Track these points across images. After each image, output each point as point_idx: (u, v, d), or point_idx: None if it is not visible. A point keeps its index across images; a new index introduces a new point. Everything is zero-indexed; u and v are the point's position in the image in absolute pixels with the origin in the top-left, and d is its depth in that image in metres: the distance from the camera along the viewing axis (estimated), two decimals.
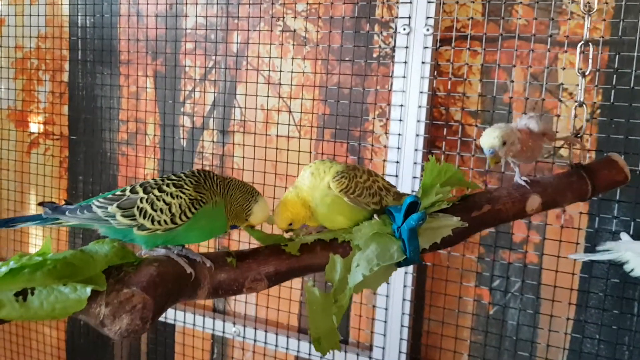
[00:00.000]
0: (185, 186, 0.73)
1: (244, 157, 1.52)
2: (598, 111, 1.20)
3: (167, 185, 0.73)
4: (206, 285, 0.73)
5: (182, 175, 0.75)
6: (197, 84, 1.60)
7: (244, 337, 1.55)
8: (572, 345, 1.25)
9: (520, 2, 1.23)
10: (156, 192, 0.72)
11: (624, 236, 1.12)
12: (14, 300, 0.61)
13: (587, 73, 0.94)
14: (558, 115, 1.20)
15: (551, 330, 1.25)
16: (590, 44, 0.96)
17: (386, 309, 1.36)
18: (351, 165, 0.81)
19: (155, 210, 0.71)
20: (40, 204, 0.76)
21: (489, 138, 0.81)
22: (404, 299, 1.34)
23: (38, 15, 1.78)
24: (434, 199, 0.81)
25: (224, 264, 0.75)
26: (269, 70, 1.48)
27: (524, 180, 0.87)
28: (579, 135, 0.96)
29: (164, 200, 0.72)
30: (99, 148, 1.75)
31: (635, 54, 1.13)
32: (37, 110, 1.84)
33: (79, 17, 1.73)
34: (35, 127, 1.86)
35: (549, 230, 1.24)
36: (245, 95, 1.52)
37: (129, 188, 0.74)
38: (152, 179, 0.76)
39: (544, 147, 0.90)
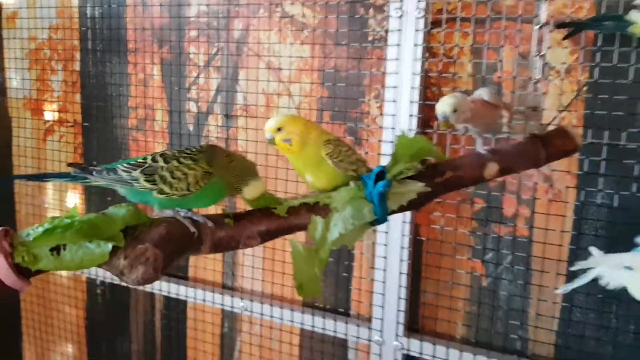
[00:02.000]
0: (199, 160, 0.84)
1: (247, 140, 1.59)
2: (585, 88, 1.24)
3: (185, 158, 0.84)
4: (208, 242, 0.85)
5: (195, 149, 0.86)
6: (201, 70, 1.66)
7: (251, 312, 1.62)
8: (562, 314, 1.30)
9: None
10: (175, 162, 0.83)
11: (594, 251, 1.16)
12: (49, 254, 0.73)
13: (542, 54, 1.00)
14: (545, 93, 1.25)
15: (541, 300, 1.31)
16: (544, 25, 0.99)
17: (384, 282, 1.42)
18: (337, 137, 0.94)
19: (174, 179, 0.82)
20: (69, 164, 0.87)
21: (442, 105, 0.90)
22: (400, 273, 1.40)
23: (49, 7, 1.85)
24: (402, 167, 0.91)
25: (223, 224, 0.87)
26: (268, 56, 1.54)
27: (484, 150, 0.95)
28: (536, 110, 1.02)
29: (181, 171, 0.83)
30: (111, 134, 1.83)
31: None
32: (51, 98, 1.92)
33: (88, 8, 1.80)
34: (49, 115, 1.94)
35: (538, 204, 1.29)
36: (247, 80, 1.58)
37: (150, 157, 0.85)
38: (170, 150, 0.87)
39: (503, 119, 0.96)
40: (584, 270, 1.19)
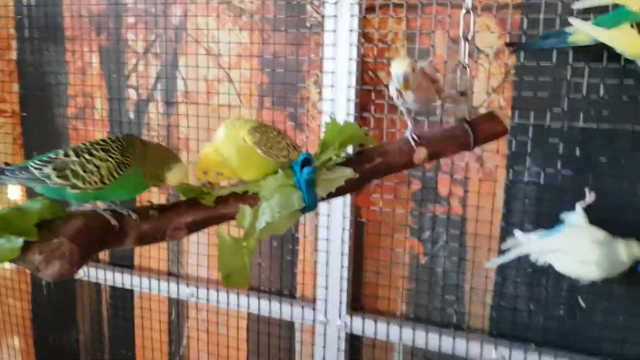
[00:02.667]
0: (112, 151, 0.82)
1: (188, 127, 1.59)
2: (512, 71, 1.29)
3: (96, 150, 0.82)
4: (132, 235, 0.84)
5: (108, 140, 0.85)
6: (140, 57, 1.65)
7: (198, 298, 1.64)
8: (495, 288, 1.36)
9: None
10: (87, 155, 0.81)
11: (518, 234, 1.23)
12: None
13: (469, 38, 1.03)
14: (474, 76, 1.29)
15: (475, 275, 1.37)
16: (471, 11, 1.03)
17: (327, 264, 1.45)
18: (263, 123, 0.93)
19: (86, 172, 0.81)
20: None
21: (401, 65, 0.89)
22: (342, 254, 1.43)
23: None
24: (331, 154, 0.92)
25: (148, 216, 0.86)
26: (208, 42, 1.54)
27: (413, 138, 0.96)
28: (463, 94, 1.05)
29: (94, 163, 0.81)
30: (51, 124, 1.79)
31: (542, 16, 1.22)
32: None
33: None
34: None
35: (470, 183, 1.34)
36: (187, 67, 1.58)
37: (61, 152, 0.83)
38: (82, 143, 0.85)
39: (438, 96, 0.98)
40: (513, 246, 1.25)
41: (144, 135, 1.67)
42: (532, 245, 1.21)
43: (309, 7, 1.44)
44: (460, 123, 1.00)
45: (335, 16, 1.35)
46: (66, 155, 0.82)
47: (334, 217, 1.43)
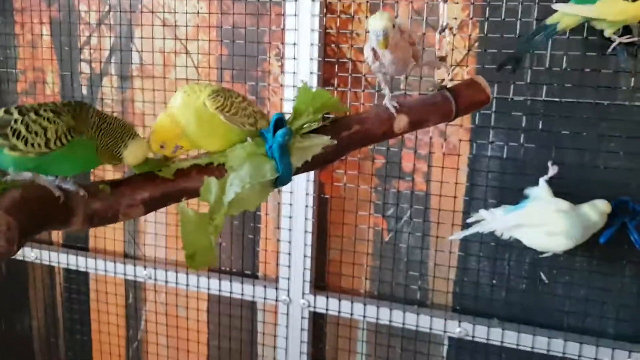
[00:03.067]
0: (63, 113, 0.74)
1: (143, 102, 1.53)
2: (476, 44, 1.27)
3: (45, 110, 0.73)
4: (80, 214, 0.75)
5: (59, 103, 0.76)
6: (93, 29, 1.57)
7: (156, 280, 1.58)
8: (458, 264, 1.35)
9: None
10: (32, 115, 0.73)
11: (483, 213, 1.22)
12: None
13: (446, 1, 1.00)
14: (439, 49, 1.27)
15: (438, 251, 1.35)
16: None
17: (290, 242, 1.42)
18: (225, 88, 0.84)
19: (30, 132, 0.72)
20: None
21: (381, 20, 0.81)
22: (305, 231, 1.40)
23: None
24: (304, 120, 0.86)
25: (98, 192, 0.77)
26: (164, 12, 1.48)
27: (393, 105, 0.90)
28: (442, 59, 1.01)
29: (40, 124, 0.72)
30: (0, 101, 1.71)
31: None
32: None
33: None
34: None
35: (434, 158, 1.33)
36: (141, 38, 1.51)
37: (3, 109, 0.74)
38: (28, 104, 0.76)
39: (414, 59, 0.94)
40: (477, 221, 1.24)
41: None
42: (498, 221, 1.20)
43: None
44: (441, 91, 0.94)
45: None
46: (7, 112, 0.73)
47: (297, 193, 1.40)
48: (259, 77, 1.44)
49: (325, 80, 1.36)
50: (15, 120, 0.72)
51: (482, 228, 1.22)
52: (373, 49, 0.86)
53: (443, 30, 1.00)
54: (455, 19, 1.26)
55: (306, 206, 1.40)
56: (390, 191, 1.38)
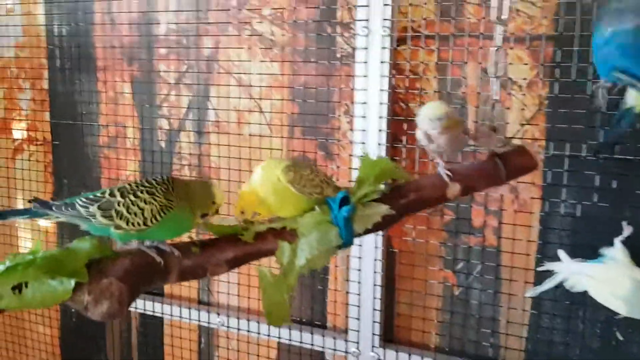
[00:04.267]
0: (157, 193, 0.84)
1: (219, 156, 1.60)
2: (545, 102, 1.28)
3: (141, 192, 0.83)
4: (175, 271, 0.85)
5: (153, 182, 0.85)
6: (172, 87, 1.66)
7: (228, 327, 1.64)
8: (531, 321, 1.34)
9: (470, 2, 1.30)
10: (132, 197, 0.83)
11: (562, 254, 1.22)
12: (11, 293, 0.72)
13: (497, 75, 1.04)
14: (508, 108, 1.29)
15: (510, 308, 1.35)
16: (502, 47, 1.03)
17: (359, 294, 1.45)
18: (297, 161, 0.96)
19: (130, 214, 0.82)
20: (30, 200, 0.86)
21: (438, 108, 0.92)
22: (374, 284, 1.43)
23: (15, 25, 1.83)
24: (367, 190, 0.94)
25: (190, 252, 0.87)
26: (238, 73, 1.55)
27: (446, 174, 0.97)
28: (496, 131, 1.05)
29: (138, 205, 0.82)
30: (82, 152, 1.82)
31: (575, 48, 1.21)
32: (20, 117, 1.90)
33: (55, 26, 1.79)
34: (18, 134, 1.92)
35: (505, 214, 1.33)
36: (217, 97, 1.59)
37: (108, 191, 0.84)
38: (128, 183, 0.86)
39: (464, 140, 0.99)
40: (550, 274, 1.24)
41: (174, 164, 1.68)
42: (572, 266, 1.19)
43: (339, 39, 1.44)
44: (492, 157, 1.01)
45: (366, 48, 1.36)
46: (112, 195, 0.83)
47: (366, 247, 1.43)
48: (328, 133, 1.49)
49: (393, 137, 1.40)
50: (119, 203, 0.83)
51: (556, 278, 1.22)
52: (426, 133, 0.94)
53: (494, 103, 1.04)
54: (525, 79, 1.28)
55: (375, 259, 1.42)
56: (460, 246, 1.39)
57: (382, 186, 0.96)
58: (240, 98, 1.56)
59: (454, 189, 0.97)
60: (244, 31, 1.53)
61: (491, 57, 1.03)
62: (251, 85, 1.55)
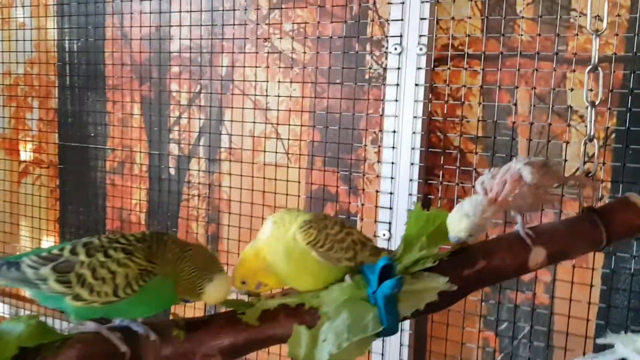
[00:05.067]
0: (136, 253, 0.63)
1: (230, 187, 1.43)
2: (612, 136, 1.07)
3: (115, 250, 0.63)
4: None
5: (132, 238, 0.65)
6: (184, 109, 1.51)
7: None
8: None
9: (523, 17, 1.11)
10: (101, 257, 0.62)
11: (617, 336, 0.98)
12: None
13: (597, 103, 0.81)
14: (567, 142, 1.08)
15: None
16: (599, 68, 0.82)
17: (382, 355, 1.24)
18: (321, 215, 0.71)
19: (97, 279, 0.61)
20: None
21: (456, 226, 0.68)
22: (401, 344, 1.21)
23: (25, 40, 1.72)
24: (417, 255, 0.69)
25: (171, 336, 0.65)
26: (255, 95, 1.39)
27: (528, 234, 0.73)
28: (590, 175, 0.82)
29: (108, 268, 0.61)
30: (88, 177, 1.67)
31: None
32: (27, 138, 1.78)
33: (67, 42, 1.67)
34: (25, 155, 1.80)
35: (561, 269, 1.11)
36: (231, 121, 1.42)
37: (69, 247, 0.64)
38: (99, 237, 0.65)
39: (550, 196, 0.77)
40: (612, 347, 1.00)
41: (184, 193, 1.52)
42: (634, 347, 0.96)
43: (368, 57, 1.26)
44: (586, 213, 0.77)
45: (398, 68, 1.17)
46: (74, 252, 0.63)
47: None
48: (352, 165, 1.30)
49: (428, 170, 1.20)
50: (82, 264, 0.62)
51: (613, 356, 0.98)
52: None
53: (591, 140, 0.81)
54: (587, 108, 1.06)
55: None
56: (505, 305, 1.17)
57: (436, 250, 0.71)
58: (254, 122, 1.39)
59: (539, 255, 0.73)
60: (262, 48, 1.37)
61: (585, 80, 0.81)
62: (268, 109, 1.37)
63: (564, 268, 1.10)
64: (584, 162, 1.06)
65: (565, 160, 1.07)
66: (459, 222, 0.68)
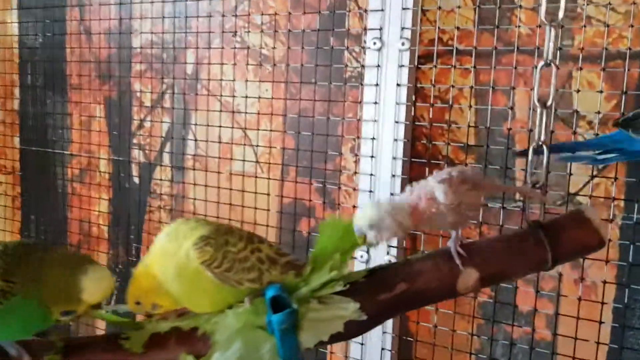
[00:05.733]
0: None
1: (195, 199, 1.28)
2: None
3: None
4: None
5: None
6: (148, 111, 1.36)
7: None
8: None
9: (520, 6, 0.95)
10: None
11: None
12: None
13: (547, 103, 0.67)
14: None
15: None
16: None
17: None
18: (224, 228, 0.61)
19: None
20: None
21: (361, 212, 0.60)
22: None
23: None
24: (327, 276, 0.60)
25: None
26: (221, 95, 1.24)
27: (458, 252, 0.62)
28: (537, 186, 0.68)
29: None
30: (51, 185, 1.54)
31: None
32: None
33: (29, 37, 1.53)
34: None
35: (565, 301, 0.95)
36: (195, 124, 1.28)
37: None
38: None
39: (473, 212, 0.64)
40: None
41: (148, 206, 1.37)
42: None
43: (346, 53, 1.11)
44: (532, 229, 0.65)
45: (378, 66, 1.02)
46: None
47: (371, 331, 1.06)
48: (328, 176, 1.14)
49: (411, 183, 1.04)
50: None
51: None
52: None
53: (538, 146, 0.68)
54: (598, 112, 0.90)
55: (382, 349, 1.06)
56: (500, 341, 1.01)
57: (345, 270, 0.62)
58: (220, 126, 1.24)
59: (469, 277, 0.62)
60: (230, 43, 1.22)
61: (535, 75, 0.68)
62: (234, 112, 1.22)
63: (569, 300, 0.94)
64: (591, 177, 0.90)
65: (570, 175, 0.90)
66: (365, 208, 0.59)
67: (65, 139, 1.50)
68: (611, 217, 0.89)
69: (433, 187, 0.60)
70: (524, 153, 0.72)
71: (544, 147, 0.67)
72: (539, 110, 0.67)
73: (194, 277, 0.57)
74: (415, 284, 0.62)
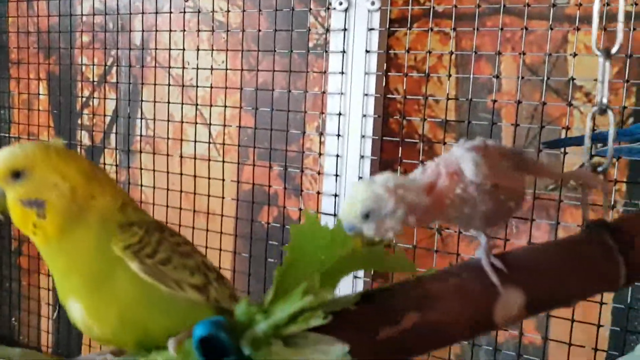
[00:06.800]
0: None
1: (141, 185, 1.14)
2: (630, 120, 0.78)
3: None
4: None
5: None
6: (94, 88, 1.22)
7: None
8: None
9: None
10: None
11: None
12: None
13: (613, 52, 0.51)
14: (567, 128, 0.78)
15: None
16: None
17: None
18: (156, 224, 0.42)
19: None
20: None
21: (347, 209, 0.39)
22: None
23: None
24: (298, 304, 0.38)
25: None
26: (170, 67, 1.10)
27: (493, 265, 0.42)
28: (600, 169, 0.51)
29: None
30: None
31: None
32: None
33: None
34: None
35: (554, 324, 0.82)
36: (142, 101, 1.13)
37: None
38: None
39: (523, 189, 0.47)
40: None
41: None
42: None
43: (311, 18, 0.97)
44: (593, 231, 0.46)
45: (345, 29, 0.88)
46: None
47: None
48: (291, 159, 1.00)
49: (385, 165, 0.91)
50: None
51: None
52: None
53: (602, 112, 0.51)
54: (597, 80, 0.77)
55: None
56: (483, 347, 0.88)
57: (328, 294, 0.40)
58: (168, 102, 1.09)
59: (513, 302, 0.42)
60: (182, 8, 1.07)
61: (593, 29, 0.51)
62: (184, 85, 1.08)
63: (558, 323, 0.81)
64: (590, 157, 0.76)
65: (565, 153, 0.77)
66: (355, 191, 0.39)
67: (6, 119, 1.35)
68: (612, 203, 0.77)
69: (459, 157, 0.41)
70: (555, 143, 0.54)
71: (610, 112, 0.50)
72: (601, 61, 0.50)
73: (113, 271, 0.39)
74: (430, 314, 0.41)
